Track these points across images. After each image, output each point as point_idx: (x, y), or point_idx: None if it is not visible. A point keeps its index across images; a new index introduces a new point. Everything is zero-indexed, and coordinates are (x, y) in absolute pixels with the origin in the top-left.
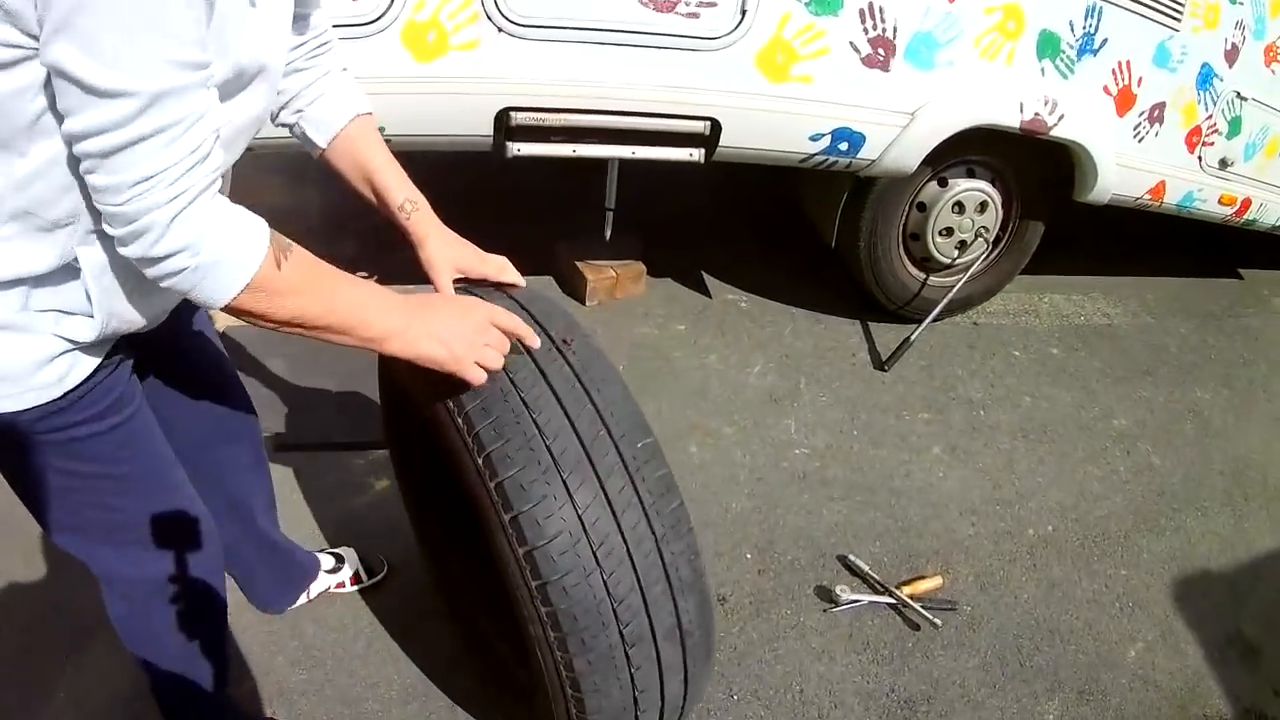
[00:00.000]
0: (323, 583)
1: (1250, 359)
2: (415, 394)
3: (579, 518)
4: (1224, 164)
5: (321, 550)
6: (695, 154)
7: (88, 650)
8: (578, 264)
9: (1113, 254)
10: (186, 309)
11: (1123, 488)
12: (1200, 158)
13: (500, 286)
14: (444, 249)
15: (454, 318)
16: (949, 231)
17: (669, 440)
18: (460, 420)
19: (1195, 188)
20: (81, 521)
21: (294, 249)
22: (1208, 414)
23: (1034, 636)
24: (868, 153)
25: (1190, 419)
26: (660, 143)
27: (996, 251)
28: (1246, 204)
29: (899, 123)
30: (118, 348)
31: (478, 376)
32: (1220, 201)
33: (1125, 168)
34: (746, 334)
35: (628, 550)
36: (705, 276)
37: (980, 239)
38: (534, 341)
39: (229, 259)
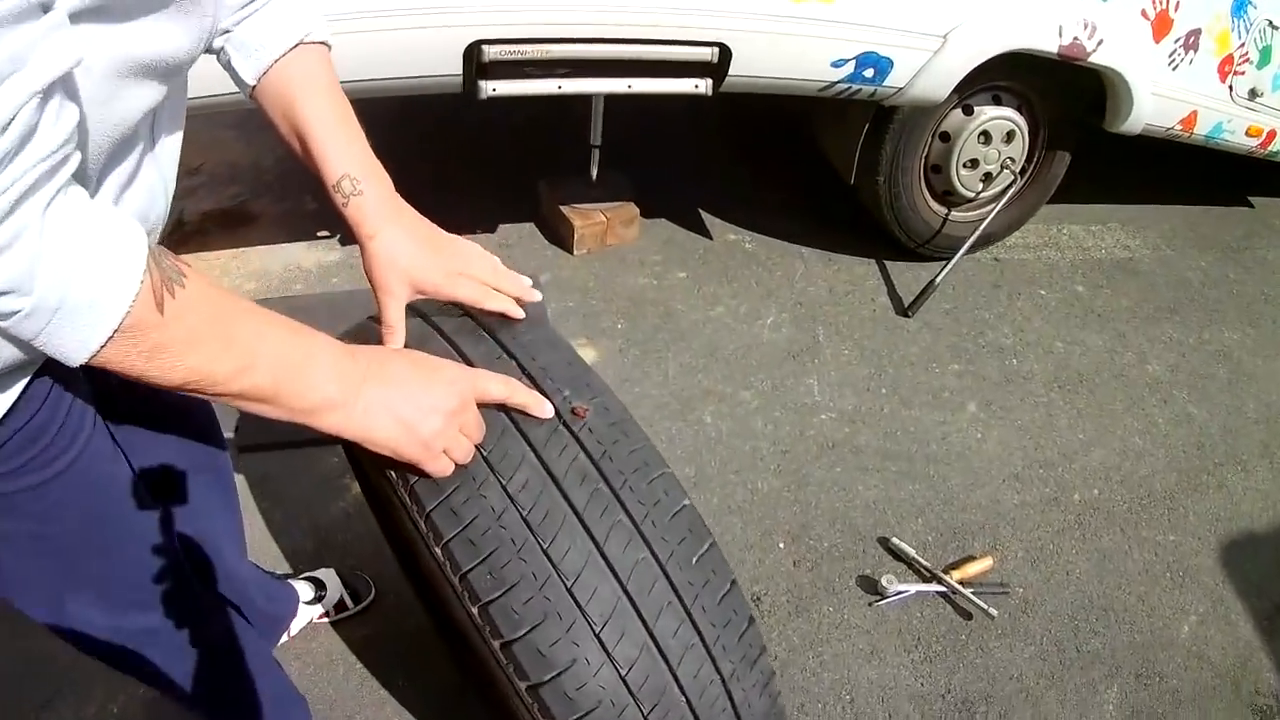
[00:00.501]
0: (303, 616)
1: (1272, 295)
2: (362, 460)
3: (622, 680)
4: (1253, 94)
5: (299, 576)
6: (702, 85)
7: (58, 705)
8: (562, 208)
9: (1123, 182)
10: None
11: (1164, 442)
12: (1231, 87)
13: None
14: (396, 255)
15: (420, 387)
16: (974, 163)
17: (681, 411)
18: (424, 526)
19: (1225, 118)
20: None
21: (190, 279)
22: (1238, 356)
23: (1089, 617)
24: (895, 80)
25: (1222, 363)
26: (661, 73)
27: (1022, 184)
28: (1272, 135)
29: (929, 47)
30: (48, 374)
31: (443, 469)
32: (1247, 133)
33: (1159, 96)
34: (755, 280)
35: (688, 704)
36: (704, 216)
37: (1006, 170)
38: (543, 411)
39: (81, 298)
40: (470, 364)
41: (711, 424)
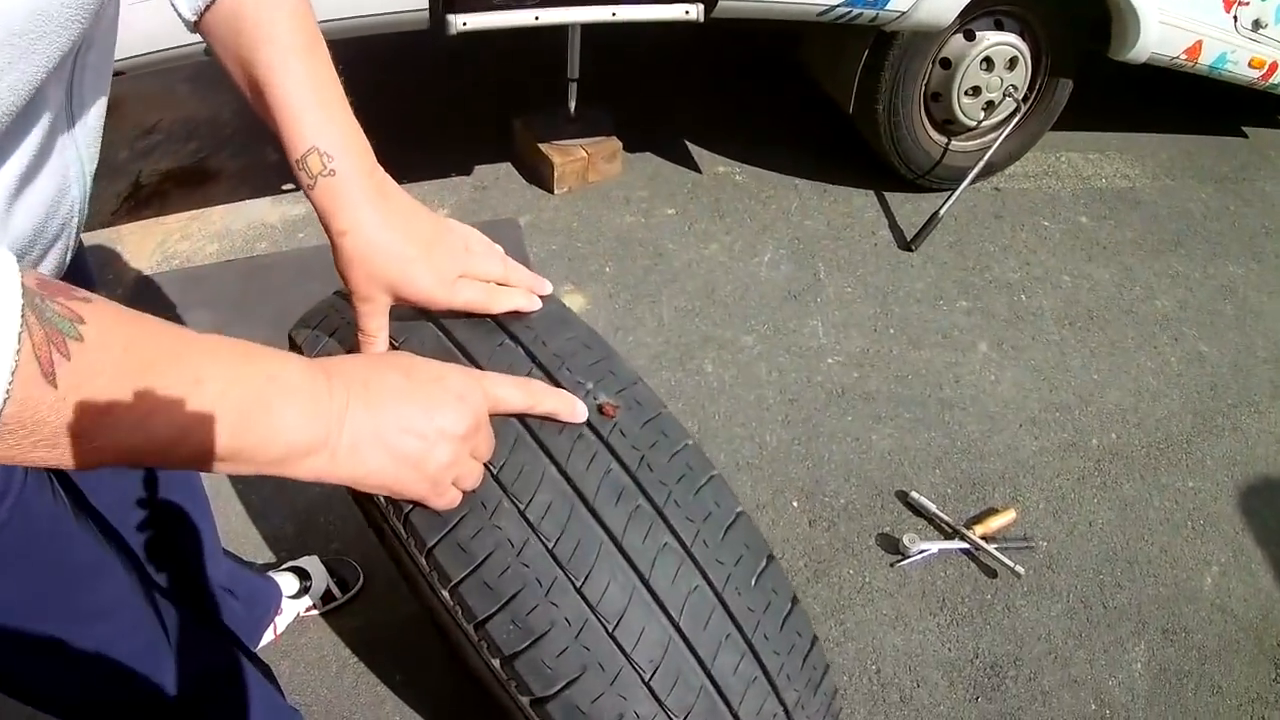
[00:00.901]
0: (290, 611)
1: (1273, 228)
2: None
3: None
4: (1257, 25)
5: (281, 567)
6: (692, 11)
7: None
8: (540, 146)
9: (1117, 109)
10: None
11: (1177, 382)
12: (1235, 18)
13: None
14: (376, 258)
15: (421, 409)
16: (976, 91)
17: (679, 360)
18: (426, 564)
19: (1229, 49)
20: None
21: (89, 322)
22: (1243, 292)
23: (1113, 570)
24: (897, 3)
25: (1228, 299)
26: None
27: (1024, 112)
28: (1274, 67)
29: None
30: None
31: (452, 502)
32: (1250, 64)
33: (1166, 25)
34: (748, 214)
35: None
36: (690, 148)
37: (1009, 98)
38: (575, 414)
39: None
40: (470, 358)
41: (713, 373)
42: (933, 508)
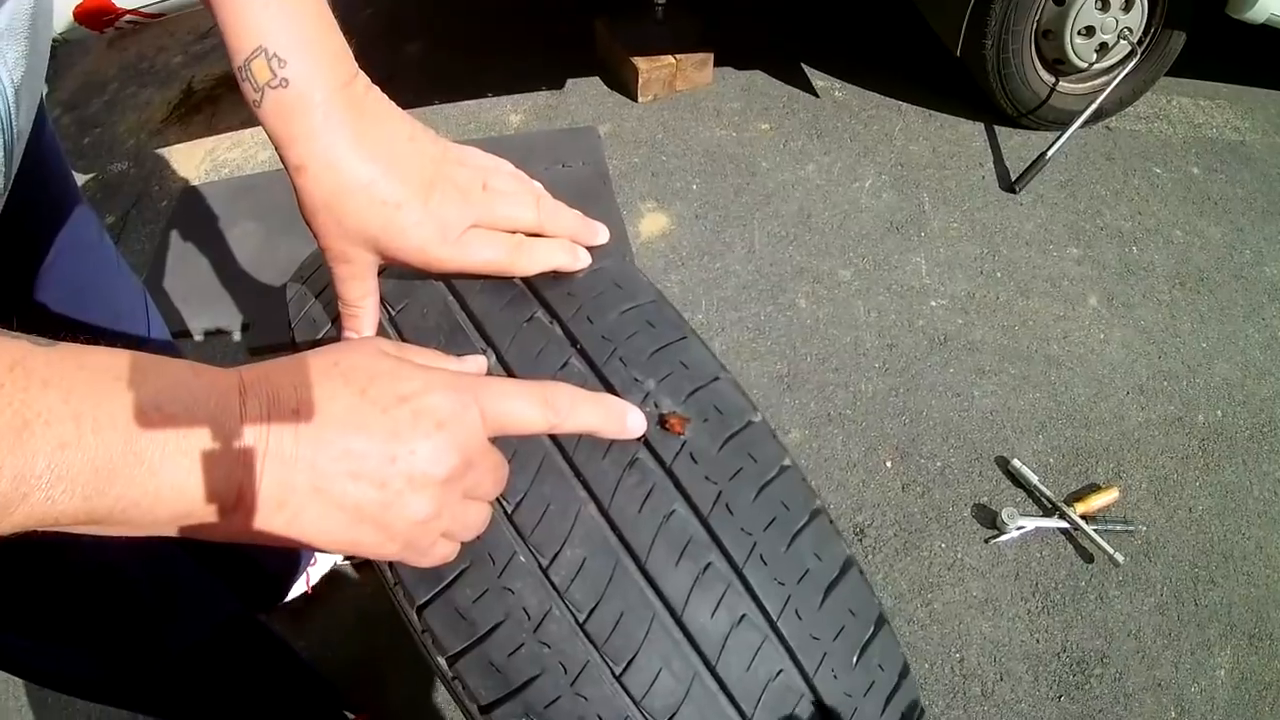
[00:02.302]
0: (323, 563)
1: None
2: None
3: None
4: None
5: None
6: None
7: None
8: (624, 50)
9: (1231, 57)
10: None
11: None
12: None
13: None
14: (348, 206)
15: (382, 442)
16: (1089, 31)
17: (771, 292)
18: (418, 623)
19: None
20: None
21: None
22: None
23: (1208, 564)
24: None
25: None
26: None
27: (1138, 56)
28: None
29: None
30: None
31: (443, 558)
32: None
33: None
34: (849, 134)
35: None
36: (788, 61)
37: (1124, 41)
38: (628, 428)
39: None
40: (487, 338)
41: (806, 309)
42: (1034, 479)
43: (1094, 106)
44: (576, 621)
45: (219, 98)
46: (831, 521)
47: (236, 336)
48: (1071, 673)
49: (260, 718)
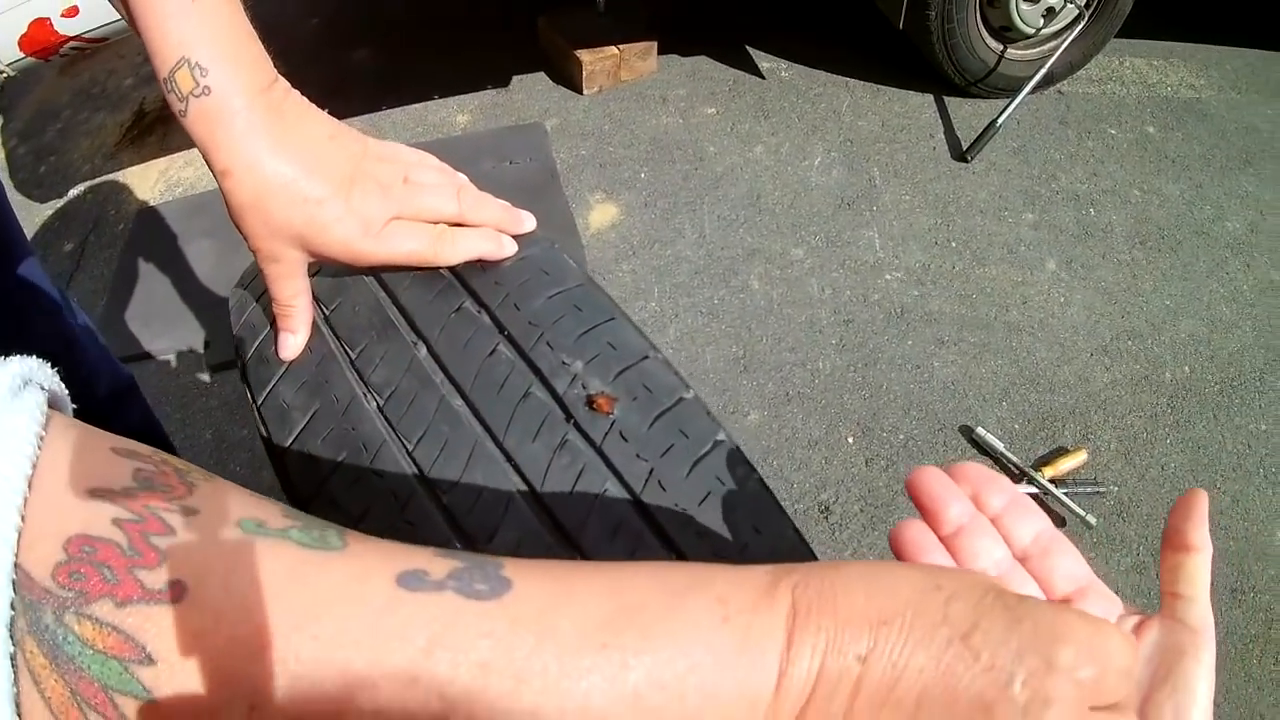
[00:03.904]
0: None
1: None
2: None
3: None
4: None
5: None
6: None
7: None
8: (566, 43)
9: (1184, 15)
10: None
11: (1249, 312)
12: None
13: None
14: (272, 206)
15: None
16: None
17: (723, 276)
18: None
19: None
20: None
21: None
22: None
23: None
24: None
25: None
26: None
27: (1086, 19)
28: None
29: None
30: None
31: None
32: None
33: None
34: (795, 114)
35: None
36: (731, 44)
37: (1070, 4)
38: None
39: None
40: (417, 330)
41: (760, 290)
42: (1000, 446)
43: (1043, 71)
44: None
45: (170, 118)
46: (769, 491)
47: (200, 352)
48: None
49: None
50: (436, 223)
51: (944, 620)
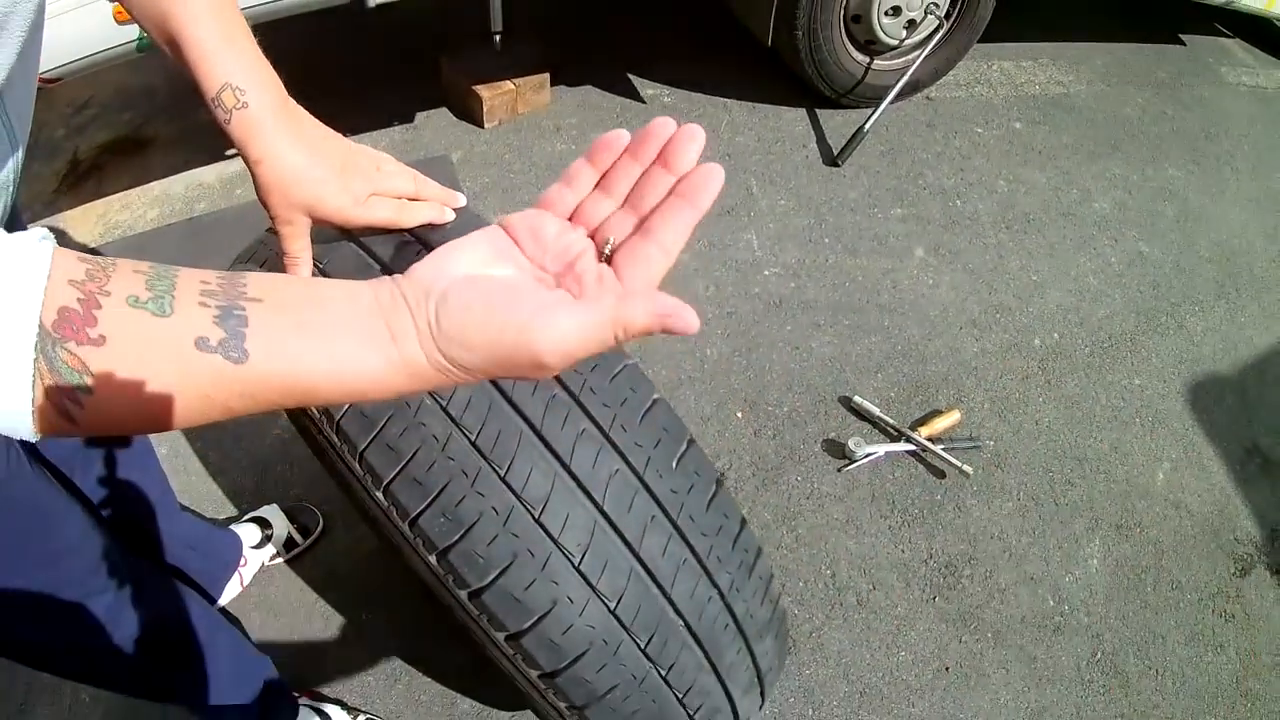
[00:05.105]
0: (254, 562)
1: (1213, 133)
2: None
3: (612, 614)
4: None
5: (242, 519)
6: None
7: (34, 704)
8: (467, 81)
9: (1051, 18)
10: None
11: (1118, 282)
12: None
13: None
14: (290, 182)
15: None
16: (896, 10)
17: None
18: (360, 469)
19: None
20: None
21: (98, 373)
22: (1184, 194)
23: (1063, 468)
24: None
25: (1168, 201)
26: None
27: (946, 29)
28: None
29: None
30: None
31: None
32: None
33: None
34: None
35: (687, 627)
36: (618, 74)
37: (931, 16)
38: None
39: None
40: (387, 270)
41: None
42: (876, 411)
43: (904, 80)
44: (470, 441)
45: (104, 164)
46: (640, 370)
47: None
48: (941, 576)
49: (212, 698)
50: (400, 198)
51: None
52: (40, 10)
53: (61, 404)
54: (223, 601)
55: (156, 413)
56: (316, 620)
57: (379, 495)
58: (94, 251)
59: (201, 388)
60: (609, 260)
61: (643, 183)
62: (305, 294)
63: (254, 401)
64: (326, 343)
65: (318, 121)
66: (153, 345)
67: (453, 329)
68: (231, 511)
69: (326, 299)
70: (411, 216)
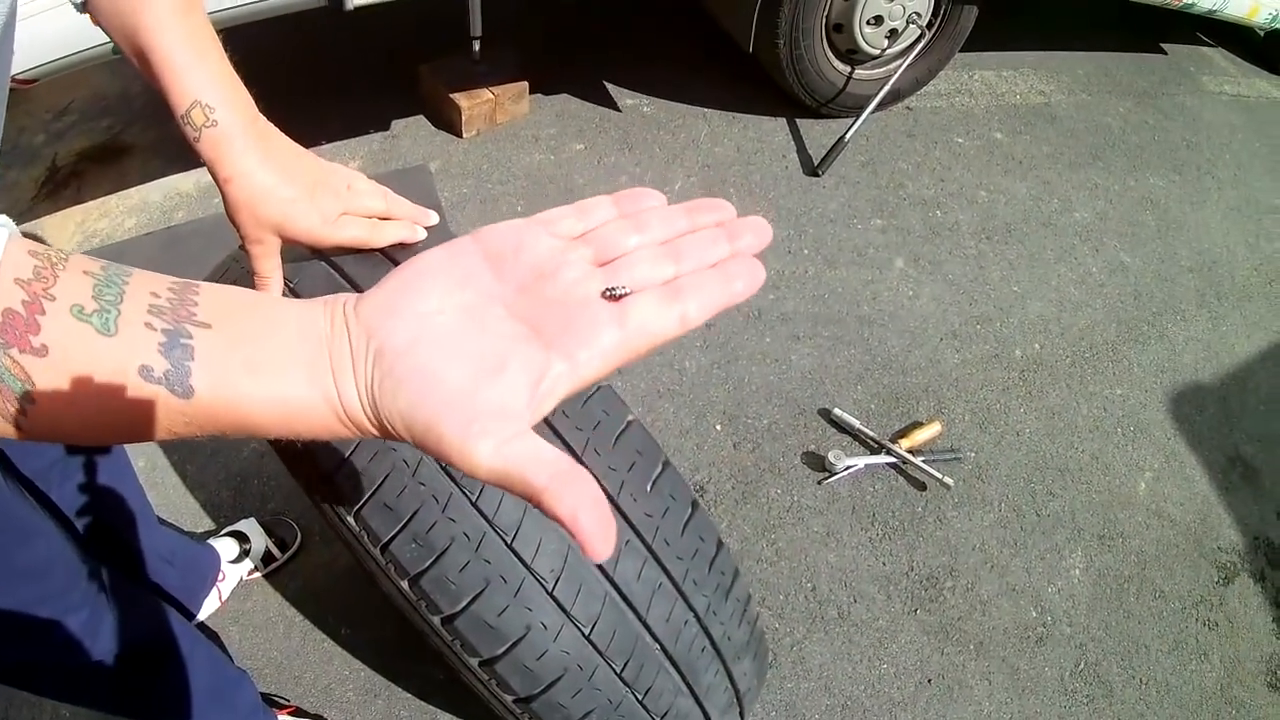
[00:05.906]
0: (232, 576)
1: (1194, 142)
2: None
3: (587, 640)
4: None
5: (220, 533)
6: None
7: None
8: (446, 90)
9: (1033, 27)
10: None
11: (1099, 291)
12: None
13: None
14: (259, 202)
15: None
16: (878, 20)
17: None
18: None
19: None
20: None
21: (40, 384)
22: (1164, 203)
23: (1044, 478)
24: None
25: (1149, 210)
26: None
27: (929, 38)
28: None
29: None
30: None
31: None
32: None
33: None
34: (657, 145)
35: (664, 651)
36: (597, 84)
37: (912, 25)
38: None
39: None
40: (359, 290)
41: None
42: (856, 423)
43: (885, 89)
44: (440, 465)
45: (83, 171)
46: (615, 392)
47: None
48: (923, 588)
49: (191, 714)
50: (371, 217)
51: None
52: (10, 22)
53: (5, 409)
54: (201, 616)
55: (101, 432)
56: (295, 635)
57: (350, 520)
58: None
59: (145, 412)
60: (614, 299)
61: (692, 237)
62: (258, 323)
63: (200, 429)
64: (275, 378)
65: (288, 139)
66: (95, 365)
67: (385, 406)
68: (209, 525)
69: (279, 324)
70: (382, 236)
